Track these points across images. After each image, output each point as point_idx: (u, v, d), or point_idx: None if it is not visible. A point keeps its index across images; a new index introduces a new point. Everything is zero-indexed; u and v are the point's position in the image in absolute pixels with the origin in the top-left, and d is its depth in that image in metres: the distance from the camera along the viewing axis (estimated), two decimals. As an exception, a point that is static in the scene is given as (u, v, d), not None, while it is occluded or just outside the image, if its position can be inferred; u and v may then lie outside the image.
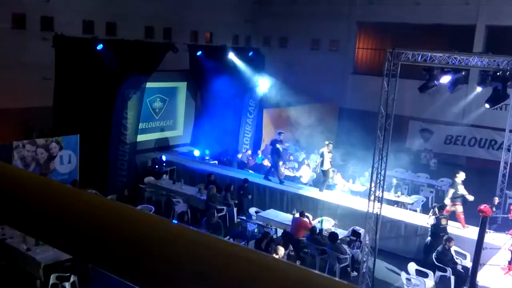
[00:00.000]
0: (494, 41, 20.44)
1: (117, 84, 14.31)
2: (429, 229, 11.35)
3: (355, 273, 10.88)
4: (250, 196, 14.21)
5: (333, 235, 10.88)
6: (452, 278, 10.21)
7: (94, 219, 1.55)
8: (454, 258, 10.51)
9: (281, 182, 14.73)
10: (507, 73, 10.46)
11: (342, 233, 11.68)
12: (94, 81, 14.22)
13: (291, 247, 10.62)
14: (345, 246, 10.97)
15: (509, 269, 9.56)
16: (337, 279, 1.27)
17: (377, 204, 9.87)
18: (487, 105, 11.43)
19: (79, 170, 14.09)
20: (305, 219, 11.80)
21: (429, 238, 11.29)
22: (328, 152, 14.06)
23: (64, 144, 13.75)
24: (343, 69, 24.84)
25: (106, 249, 1.50)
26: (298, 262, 10.49)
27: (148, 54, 14.89)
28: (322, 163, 14.12)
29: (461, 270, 10.31)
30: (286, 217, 12.66)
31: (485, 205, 8.67)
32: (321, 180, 14.49)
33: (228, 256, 1.33)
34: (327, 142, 14.27)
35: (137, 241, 1.44)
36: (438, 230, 11.00)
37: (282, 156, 15.56)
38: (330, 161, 14.13)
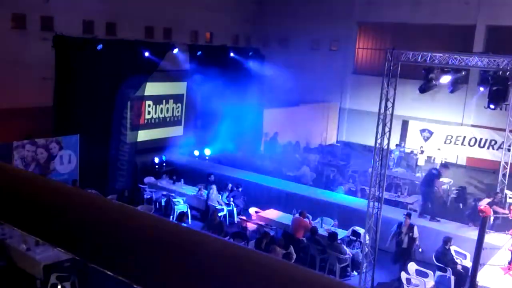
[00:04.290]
0: (494, 41, 20.43)
1: (117, 84, 14.32)
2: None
3: (355, 273, 10.88)
4: (242, 199, 14.14)
5: (333, 235, 10.88)
6: (452, 278, 10.21)
7: (94, 219, 1.55)
8: (454, 258, 10.51)
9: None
10: (507, 73, 10.46)
11: (342, 233, 11.68)
12: (94, 81, 14.22)
13: (291, 247, 10.63)
14: (345, 246, 10.98)
15: (509, 269, 9.55)
16: (337, 279, 1.27)
17: (377, 204, 9.88)
18: (487, 105, 11.41)
19: (79, 170, 14.09)
20: (305, 219, 11.80)
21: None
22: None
23: (64, 144, 13.76)
24: (343, 69, 24.82)
25: (106, 249, 1.50)
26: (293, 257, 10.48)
27: (148, 54, 14.89)
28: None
29: (461, 270, 10.31)
30: (286, 217, 12.66)
31: (485, 205, 8.66)
32: None
33: (228, 256, 1.34)
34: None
35: (137, 241, 1.44)
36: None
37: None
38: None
